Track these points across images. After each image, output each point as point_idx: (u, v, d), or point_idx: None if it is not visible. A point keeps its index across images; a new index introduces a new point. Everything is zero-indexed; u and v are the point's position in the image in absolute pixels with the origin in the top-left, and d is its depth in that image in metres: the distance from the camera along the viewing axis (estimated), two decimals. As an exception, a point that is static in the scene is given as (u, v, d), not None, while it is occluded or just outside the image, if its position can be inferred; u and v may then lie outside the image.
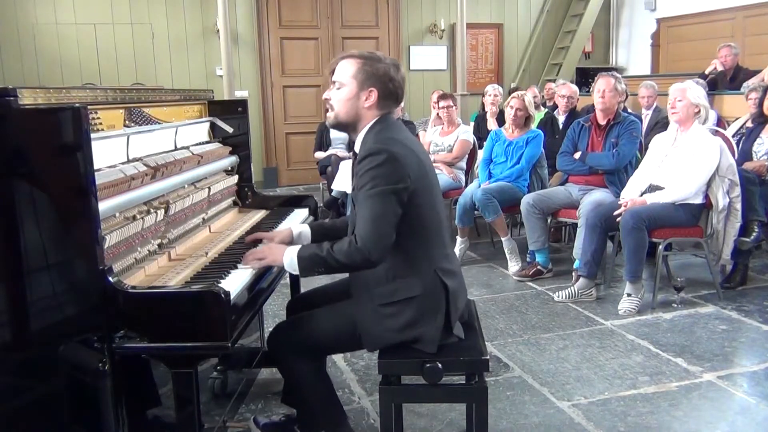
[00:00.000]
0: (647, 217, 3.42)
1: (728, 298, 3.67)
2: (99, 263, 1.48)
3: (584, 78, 8.70)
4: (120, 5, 7.54)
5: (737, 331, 3.22)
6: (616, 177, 3.93)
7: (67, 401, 1.59)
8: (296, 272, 1.85)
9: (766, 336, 3.15)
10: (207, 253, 1.99)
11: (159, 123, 2.15)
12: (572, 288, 3.71)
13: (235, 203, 2.67)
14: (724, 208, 3.47)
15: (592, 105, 4.17)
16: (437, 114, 5.54)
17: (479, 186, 4.39)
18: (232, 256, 1.97)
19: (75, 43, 7.42)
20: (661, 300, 3.63)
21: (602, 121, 4.01)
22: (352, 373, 2.83)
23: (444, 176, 4.81)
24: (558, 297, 3.72)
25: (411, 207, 1.81)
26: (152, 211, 1.86)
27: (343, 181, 5.29)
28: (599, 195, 3.87)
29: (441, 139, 5.13)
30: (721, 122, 5.32)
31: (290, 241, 2.08)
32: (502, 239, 4.36)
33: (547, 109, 5.88)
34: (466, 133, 5.10)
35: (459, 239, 4.50)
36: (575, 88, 5.64)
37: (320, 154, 6.36)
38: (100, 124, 1.77)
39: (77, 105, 1.46)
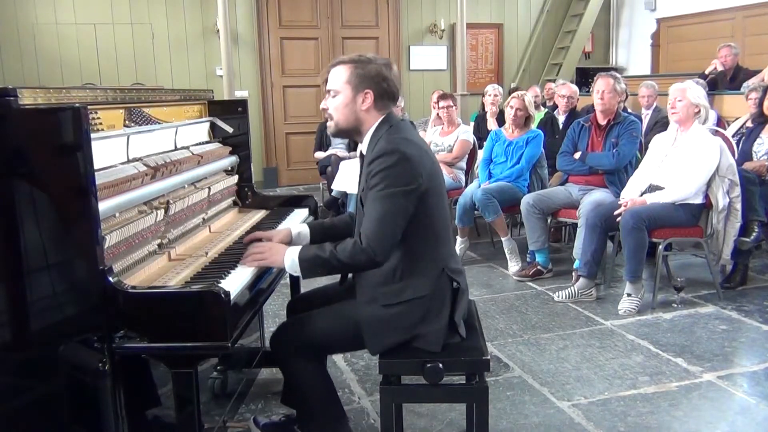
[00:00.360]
0: (647, 217, 3.42)
1: (728, 298, 3.67)
2: (99, 263, 1.48)
3: (584, 78, 8.70)
4: (120, 5, 7.54)
5: (737, 331, 3.22)
6: (616, 177, 3.93)
7: (67, 401, 1.59)
8: (298, 274, 1.85)
9: (766, 336, 3.15)
10: (207, 253, 1.99)
11: (159, 123, 2.15)
12: (572, 288, 3.71)
13: (235, 203, 2.67)
14: (724, 208, 3.47)
15: (592, 105, 4.16)
16: (437, 114, 5.54)
17: (479, 186, 4.39)
18: (232, 256, 1.97)
19: (75, 43, 7.42)
20: (661, 300, 3.63)
21: (602, 121, 4.01)
22: (352, 373, 2.83)
23: (444, 176, 4.79)
24: (558, 297, 3.72)
25: (421, 207, 1.81)
26: (152, 211, 1.86)
27: (343, 181, 5.29)
28: (599, 195, 3.87)
29: (441, 139, 5.13)
30: (721, 122, 5.32)
31: (289, 241, 2.08)
32: (502, 239, 4.36)
33: (547, 109, 5.88)
34: (466, 133, 5.10)
35: (459, 239, 4.49)
36: (575, 88, 5.64)
37: (320, 154, 6.37)
38: (100, 124, 1.77)
39: (77, 105, 1.46)
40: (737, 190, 3.49)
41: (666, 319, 3.40)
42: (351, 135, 1.97)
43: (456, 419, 2.39)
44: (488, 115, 5.93)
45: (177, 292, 1.58)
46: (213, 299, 1.50)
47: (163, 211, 1.92)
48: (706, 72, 6.13)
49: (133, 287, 1.56)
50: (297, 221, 2.48)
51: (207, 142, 2.52)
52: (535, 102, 5.05)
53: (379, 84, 1.87)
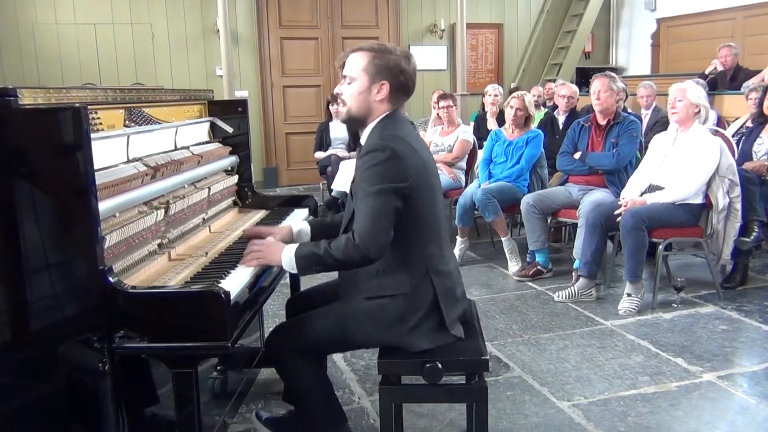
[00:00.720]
0: (647, 217, 3.42)
1: (728, 298, 3.67)
2: (99, 263, 1.48)
3: (584, 78, 8.67)
4: (120, 5, 7.54)
5: (737, 331, 3.22)
6: (616, 177, 3.93)
7: (67, 401, 1.59)
8: (294, 271, 1.86)
9: (766, 336, 3.15)
10: (207, 253, 1.99)
11: (159, 123, 2.15)
12: (572, 288, 3.71)
13: (235, 203, 2.67)
14: (724, 208, 3.47)
15: (592, 105, 4.16)
16: (437, 114, 5.54)
17: (479, 186, 4.39)
18: (232, 256, 1.97)
19: (75, 43, 7.42)
20: (661, 300, 3.63)
21: (602, 121, 4.01)
22: (352, 373, 2.83)
23: (444, 176, 4.80)
24: (558, 297, 3.72)
25: (409, 205, 1.80)
26: (152, 211, 1.86)
27: (343, 181, 5.29)
28: (599, 195, 3.87)
29: (441, 139, 5.13)
30: (721, 122, 5.32)
31: (290, 239, 2.08)
32: (502, 239, 4.36)
33: (547, 109, 5.88)
34: (466, 133, 5.10)
35: (459, 239, 4.49)
36: (575, 88, 5.64)
37: (320, 154, 6.36)
38: (100, 124, 1.77)
39: (77, 105, 1.46)
40: (737, 190, 3.49)
41: (666, 319, 3.40)
42: (359, 124, 1.93)
43: (456, 419, 2.39)
44: (488, 115, 5.93)
45: (177, 292, 1.58)
46: (213, 299, 1.50)
47: (163, 211, 1.92)
48: (706, 72, 6.13)
49: (133, 287, 1.56)
50: (298, 220, 2.48)
51: (207, 142, 2.52)
52: (536, 102, 5.05)
53: (396, 76, 1.85)
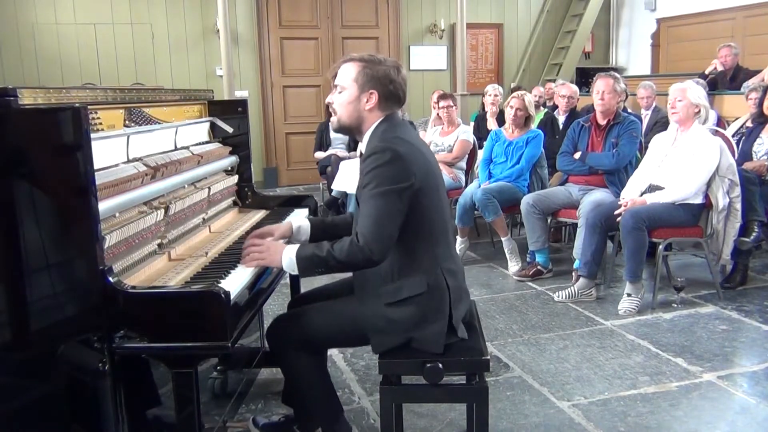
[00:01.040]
0: (647, 217, 3.42)
1: (728, 298, 3.67)
2: (99, 263, 1.48)
3: (584, 78, 8.69)
4: (120, 5, 7.54)
5: (737, 331, 3.22)
6: (616, 177, 3.93)
7: (67, 401, 1.59)
8: (295, 272, 1.86)
9: (766, 336, 3.15)
10: (207, 253, 1.99)
11: (159, 123, 2.15)
12: (572, 288, 3.71)
13: (235, 203, 2.67)
14: (724, 208, 3.47)
15: (592, 105, 4.16)
16: (437, 114, 5.54)
17: (479, 186, 4.39)
18: (232, 256, 1.97)
19: (75, 43, 7.42)
20: (661, 300, 3.63)
21: (602, 122, 4.01)
22: (352, 373, 2.83)
23: (444, 176, 4.78)
24: (558, 297, 3.72)
25: (416, 206, 1.81)
26: (152, 211, 1.86)
27: (343, 181, 5.29)
28: (599, 195, 3.87)
29: (441, 139, 5.13)
30: (721, 122, 5.32)
31: (290, 236, 2.08)
32: (502, 239, 4.36)
33: (547, 109, 5.88)
34: (466, 133, 5.10)
35: (459, 239, 4.49)
36: (575, 88, 5.64)
37: (320, 154, 6.36)
38: (100, 124, 1.77)
39: (77, 105, 1.46)
40: (737, 190, 3.49)
41: (666, 319, 3.40)
42: (352, 132, 1.98)
43: (456, 419, 2.39)
44: (488, 115, 5.93)
45: (177, 292, 1.58)
46: (213, 299, 1.50)
47: (163, 211, 1.92)
48: (706, 72, 6.13)
49: (133, 287, 1.56)
50: (298, 218, 2.48)
51: (207, 142, 2.52)
52: (536, 102, 5.04)
53: (386, 86, 1.88)
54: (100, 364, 1.50)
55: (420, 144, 1.93)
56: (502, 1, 9.19)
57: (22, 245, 1.48)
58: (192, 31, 7.85)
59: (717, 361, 2.86)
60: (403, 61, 8.63)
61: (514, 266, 4.26)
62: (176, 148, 2.21)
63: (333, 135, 6.30)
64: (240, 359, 2.61)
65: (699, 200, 3.50)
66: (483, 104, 6.19)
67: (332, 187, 5.62)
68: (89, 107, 1.54)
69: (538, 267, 4.14)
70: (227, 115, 2.59)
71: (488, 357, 1.88)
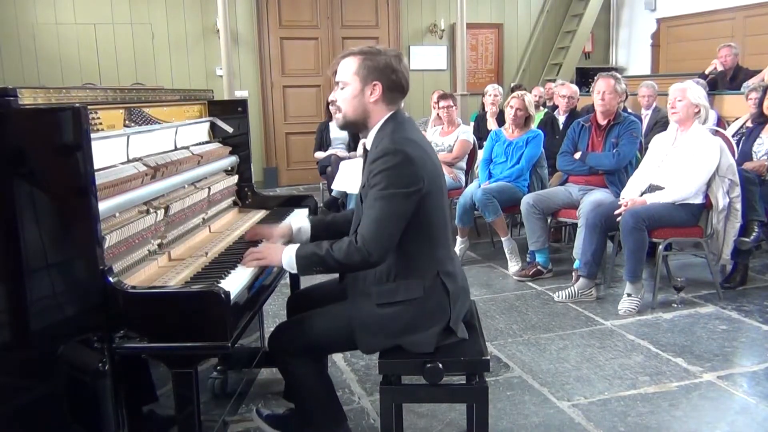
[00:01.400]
0: (647, 217, 3.42)
1: (728, 298, 3.67)
2: (99, 263, 1.48)
3: (584, 78, 8.68)
4: (120, 5, 7.54)
5: (737, 331, 3.22)
6: (616, 177, 3.93)
7: (67, 401, 1.59)
8: (295, 271, 1.86)
9: (766, 336, 3.15)
10: (207, 253, 1.99)
11: (159, 123, 2.15)
12: (572, 288, 3.71)
13: (235, 203, 2.67)
14: (724, 208, 3.47)
15: (592, 105, 4.16)
16: (437, 114, 5.54)
17: (479, 186, 4.39)
18: (232, 256, 1.97)
19: (75, 43, 7.42)
20: (661, 300, 3.62)
21: (602, 122, 4.01)
22: (352, 373, 2.83)
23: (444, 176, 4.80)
24: (558, 297, 3.72)
25: (421, 208, 1.80)
26: (152, 211, 1.86)
27: (343, 181, 5.29)
28: (599, 195, 3.87)
29: (441, 139, 5.13)
30: (721, 122, 5.32)
31: (290, 236, 2.07)
32: (502, 239, 4.36)
33: (547, 109, 5.88)
34: (466, 133, 5.10)
35: (459, 239, 4.49)
36: (575, 88, 5.64)
37: (320, 154, 6.36)
38: (100, 124, 1.77)
39: (77, 105, 1.46)
40: (737, 190, 3.49)
41: (666, 319, 3.40)
42: (358, 128, 1.93)
43: (456, 419, 2.39)
44: (488, 115, 5.93)
45: (177, 292, 1.58)
46: (213, 299, 1.50)
47: (162, 211, 1.92)
48: (706, 72, 6.13)
49: (133, 287, 1.56)
50: (298, 219, 2.48)
51: (207, 142, 2.52)
52: (536, 102, 5.04)
53: (388, 76, 1.85)
54: (100, 364, 1.50)
55: (426, 144, 1.91)
56: (502, 1, 9.19)
57: (22, 245, 1.48)
58: (192, 31, 7.85)
59: (717, 361, 2.86)
60: (403, 61, 8.62)
61: (514, 266, 4.26)
62: (176, 148, 2.21)
63: (333, 135, 6.31)
64: (240, 359, 2.61)
65: (699, 200, 3.50)
66: (483, 104, 6.19)
67: (332, 187, 5.62)
68: (89, 107, 1.54)
69: (538, 267, 4.14)
70: (227, 115, 2.59)
71: (488, 357, 1.88)
